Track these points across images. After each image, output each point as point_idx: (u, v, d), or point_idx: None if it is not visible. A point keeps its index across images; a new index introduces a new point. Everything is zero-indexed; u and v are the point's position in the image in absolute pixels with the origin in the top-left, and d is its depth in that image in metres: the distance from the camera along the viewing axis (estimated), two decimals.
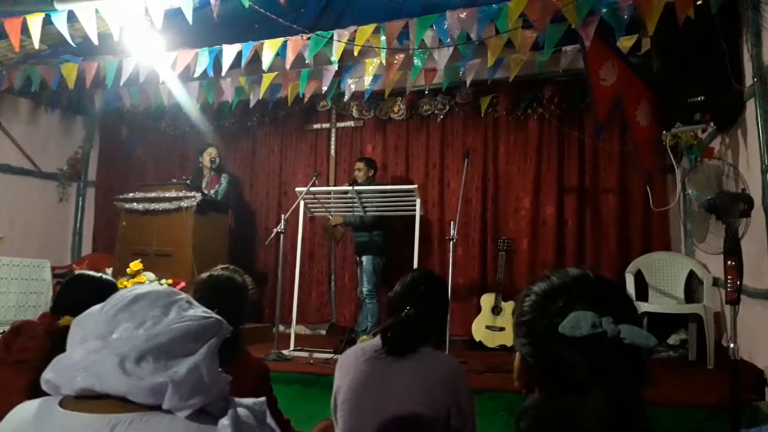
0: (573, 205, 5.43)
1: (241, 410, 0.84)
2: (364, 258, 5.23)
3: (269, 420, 0.87)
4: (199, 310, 0.90)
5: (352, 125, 6.30)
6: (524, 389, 0.90)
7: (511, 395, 3.61)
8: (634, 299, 4.43)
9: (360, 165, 5.46)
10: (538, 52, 4.42)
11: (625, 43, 4.28)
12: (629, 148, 5.12)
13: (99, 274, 2.05)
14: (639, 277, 4.70)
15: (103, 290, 1.88)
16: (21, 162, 6.41)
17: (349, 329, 5.37)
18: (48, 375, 0.83)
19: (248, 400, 0.87)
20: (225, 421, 0.78)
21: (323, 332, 6.11)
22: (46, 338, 1.69)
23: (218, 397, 0.83)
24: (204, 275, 1.93)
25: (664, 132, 4.29)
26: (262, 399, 0.89)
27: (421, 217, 4.82)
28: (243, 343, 1.92)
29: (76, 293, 1.94)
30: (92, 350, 0.81)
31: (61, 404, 0.83)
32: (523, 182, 5.57)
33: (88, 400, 0.81)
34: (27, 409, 0.84)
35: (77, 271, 2.13)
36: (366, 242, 5.24)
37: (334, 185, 6.03)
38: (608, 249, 5.30)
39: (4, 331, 5.19)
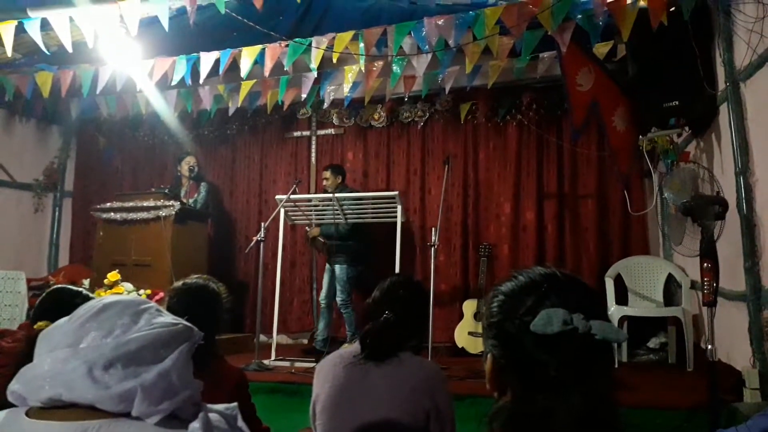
0: (553, 211, 5.47)
1: (212, 415, 0.83)
2: (337, 267, 5.16)
3: (240, 423, 0.86)
4: (168, 318, 0.89)
5: (333, 132, 6.29)
6: (496, 392, 0.89)
7: (493, 400, 3.62)
8: (614, 303, 4.48)
9: (327, 174, 5.40)
10: (516, 59, 4.46)
11: (601, 49, 4.33)
12: (607, 153, 5.16)
13: (78, 289, 2.01)
14: (618, 281, 4.74)
15: (81, 303, 1.85)
16: None
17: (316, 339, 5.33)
18: (14, 386, 0.82)
19: (220, 406, 0.87)
20: (196, 424, 0.78)
21: (305, 341, 6.06)
22: (23, 344, 1.67)
23: (189, 402, 0.82)
24: (178, 283, 1.91)
25: (640, 137, 4.34)
26: (234, 404, 0.88)
27: (402, 223, 4.81)
28: (218, 351, 1.89)
29: (52, 307, 1.90)
30: (60, 359, 0.79)
31: (27, 414, 0.81)
32: (504, 188, 5.60)
33: (55, 410, 0.80)
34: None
35: (54, 285, 2.09)
36: (340, 251, 5.18)
37: (315, 193, 6.01)
38: (588, 253, 5.34)
39: None
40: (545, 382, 0.79)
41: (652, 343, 4.58)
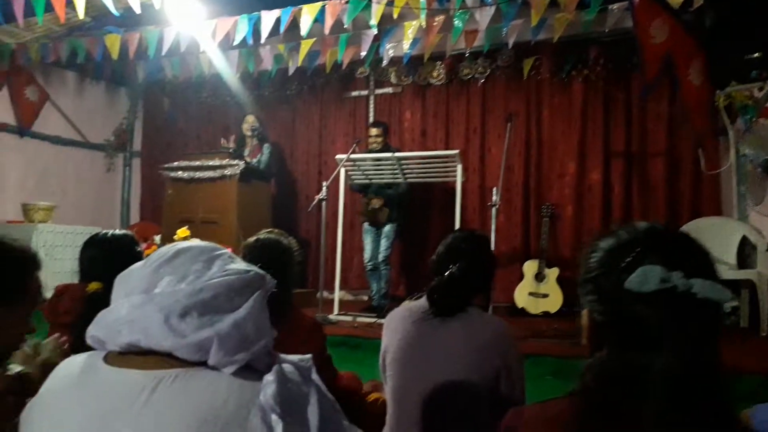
0: (620, 170, 5.29)
1: (286, 366, 0.82)
2: (387, 225, 5.14)
3: (314, 377, 0.83)
4: (242, 265, 0.88)
5: (391, 91, 6.24)
6: (592, 348, 0.88)
7: (555, 359, 3.61)
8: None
9: (377, 131, 5.29)
10: (584, 11, 4.26)
11: None
12: (679, 109, 4.93)
13: (110, 232, 2.06)
14: None
15: (118, 246, 1.92)
16: (70, 133, 6.60)
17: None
18: (93, 331, 0.83)
19: (294, 357, 0.85)
20: (270, 377, 0.77)
21: (365, 298, 6.17)
22: (81, 303, 1.74)
23: (264, 353, 0.82)
24: (251, 239, 1.95)
25: (717, 92, 4.12)
26: (308, 356, 0.86)
27: (461, 183, 4.76)
28: (293, 302, 1.94)
29: (92, 254, 1.96)
30: (136, 305, 0.80)
31: (106, 360, 0.83)
32: (568, 147, 5.44)
33: (133, 355, 0.80)
34: (73, 363, 0.85)
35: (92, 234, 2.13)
36: (389, 209, 5.13)
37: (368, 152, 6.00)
38: (656, 215, 5.15)
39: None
40: (642, 341, 0.77)
41: (724, 306, 4.42)
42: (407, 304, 1.85)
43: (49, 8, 4.29)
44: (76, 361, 0.84)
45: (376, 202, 5.20)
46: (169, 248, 0.87)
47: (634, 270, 0.79)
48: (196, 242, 0.91)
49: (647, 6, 3.84)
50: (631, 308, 0.79)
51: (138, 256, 2.00)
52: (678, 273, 0.77)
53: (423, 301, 1.78)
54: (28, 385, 0.85)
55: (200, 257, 0.85)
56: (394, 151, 4.98)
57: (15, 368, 1.13)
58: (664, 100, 5.08)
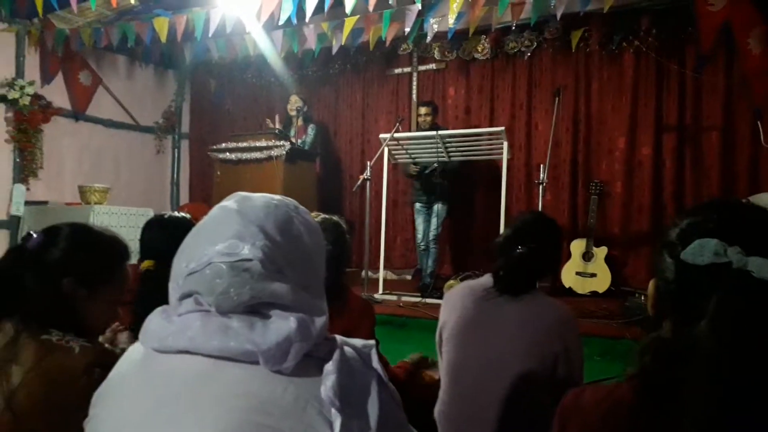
0: (672, 145, 5.12)
1: (348, 350, 0.79)
2: (439, 204, 5.11)
3: (375, 365, 0.79)
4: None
5: (434, 68, 6.17)
6: (654, 318, 0.87)
7: (603, 340, 3.56)
8: None
9: (426, 110, 5.26)
10: None
11: None
12: (737, 80, 4.72)
13: (168, 214, 2.11)
14: None
15: (176, 227, 1.97)
16: (121, 116, 6.79)
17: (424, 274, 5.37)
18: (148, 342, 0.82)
19: (357, 341, 0.81)
20: (330, 366, 0.74)
21: (408, 277, 6.20)
22: (137, 283, 1.80)
23: (322, 338, 0.79)
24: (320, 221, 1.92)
25: None
26: (372, 342, 0.82)
27: (507, 160, 4.69)
28: (347, 284, 1.96)
29: (151, 236, 2.01)
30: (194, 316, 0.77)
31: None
32: (618, 121, 5.29)
33: None
34: (137, 349, 0.84)
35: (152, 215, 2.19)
36: (443, 188, 5.11)
37: (417, 131, 5.97)
38: (710, 190, 4.97)
39: None
40: (700, 317, 0.74)
41: None
42: (468, 283, 1.85)
43: None
44: (140, 347, 0.83)
45: (412, 169, 5.18)
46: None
47: (688, 241, 0.78)
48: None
49: None
50: (686, 281, 0.78)
51: None
52: (735, 248, 0.74)
53: (484, 280, 1.77)
54: (112, 359, 0.88)
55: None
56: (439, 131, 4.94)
57: (102, 344, 1.20)
58: (721, 71, 4.87)
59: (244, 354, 0.73)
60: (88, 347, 1.13)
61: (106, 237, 1.30)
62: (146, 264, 1.85)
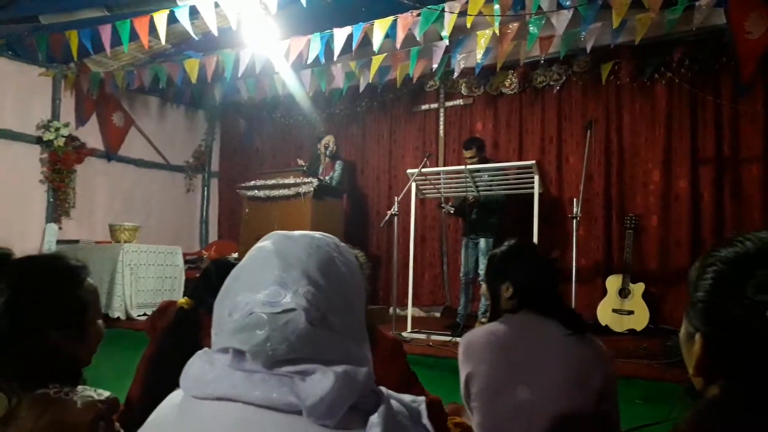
0: (709, 177, 4.96)
1: (394, 404, 0.75)
2: (482, 240, 5.00)
3: (425, 421, 0.76)
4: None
5: (461, 103, 6.16)
6: (703, 379, 0.75)
7: (645, 382, 3.38)
8: None
9: (470, 153, 5.09)
10: (668, 10, 4.04)
11: None
12: None
13: (227, 258, 2.10)
14: None
15: (224, 272, 1.93)
16: (152, 156, 6.92)
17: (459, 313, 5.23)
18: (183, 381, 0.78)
19: (406, 397, 0.78)
20: (375, 419, 0.70)
21: (437, 314, 6.06)
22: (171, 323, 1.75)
23: (367, 390, 0.74)
24: None
25: None
26: (422, 398, 0.79)
27: (539, 195, 4.59)
28: (374, 322, 1.88)
29: (209, 279, 1.99)
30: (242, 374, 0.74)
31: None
32: (652, 154, 5.16)
33: None
34: (177, 394, 0.81)
35: (210, 259, 2.20)
36: (488, 223, 5.00)
37: (444, 166, 5.93)
38: (752, 223, 4.78)
39: (145, 313, 5.60)
40: None
41: None
42: (489, 328, 1.73)
43: (134, 37, 4.51)
44: (180, 392, 0.80)
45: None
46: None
47: None
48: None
49: None
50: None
51: None
52: None
53: (505, 325, 1.67)
54: (115, 409, 0.82)
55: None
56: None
57: (103, 393, 1.12)
58: (759, 100, 4.75)
59: (287, 405, 0.70)
60: (90, 400, 1.06)
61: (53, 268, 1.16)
62: (183, 301, 1.80)
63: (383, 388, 0.76)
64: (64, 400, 1.05)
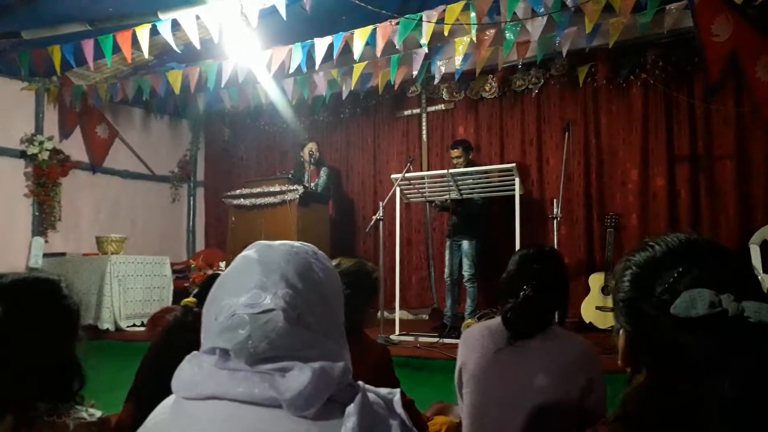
0: (685, 175, 5.09)
1: (371, 395, 0.80)
2: (465, 242, 5.11)
3: (399, 410, 0.80)
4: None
5: (443, 108, 6.25)
6: (630, 369, 0.83)
7: (625, 377, 3.47)
8: (761, 272, 4.10)
9: (457, 152, 5.24)
10: (639, 14, 4.16)
11: None
12: (747, 108, 4.71)
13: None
14: (765, 248, 4.32)
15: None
16: (137, 167, 6.93)
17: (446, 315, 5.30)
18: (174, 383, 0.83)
19: (381, 389, 0.83)
20: (351, 409, 0.75)
21: (425, 317, 6.12)
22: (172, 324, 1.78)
23: (345, 384, 0.80)
24: (343, 267, 1.88)
25: None
26: (397, 390, 0.83)
27: (520, 196, 4.68)
28: (362, 326, 1.93)
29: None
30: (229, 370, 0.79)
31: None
32: (629, 153, 5.28)
33: None
34: (169, 399, 0.86)
35: (198, 268, 2.22)
36: (470, 225, 5.10)
37: (428, 170, 6.01)
38: (727, 220, 4.91)
39: (134, 324, 5.60)
40: (688, 368, 0.71)
41: None
42: (486, 323, 1.82)
43: (116, 49, 4.55)
44: (173, 395, 0.85)
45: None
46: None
47: (676, 291, 0.73)
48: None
49: (708, 3, 3.71)
50: (673, 334, 0.73)
51: None
52: (728, 296, 0.71)
53: (500, 319, 1.75)
54: (107, 430, 0.86)
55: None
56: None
57: (95, 413, 1.13)
58: (730, 99, 4.87)
59: (268, 400, 0.75)
60: (82, 423, 1.07)
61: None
62: (188, 301, 1.82)
63: (360, 382, 0.81)
64: (56, 423, 1.05)
